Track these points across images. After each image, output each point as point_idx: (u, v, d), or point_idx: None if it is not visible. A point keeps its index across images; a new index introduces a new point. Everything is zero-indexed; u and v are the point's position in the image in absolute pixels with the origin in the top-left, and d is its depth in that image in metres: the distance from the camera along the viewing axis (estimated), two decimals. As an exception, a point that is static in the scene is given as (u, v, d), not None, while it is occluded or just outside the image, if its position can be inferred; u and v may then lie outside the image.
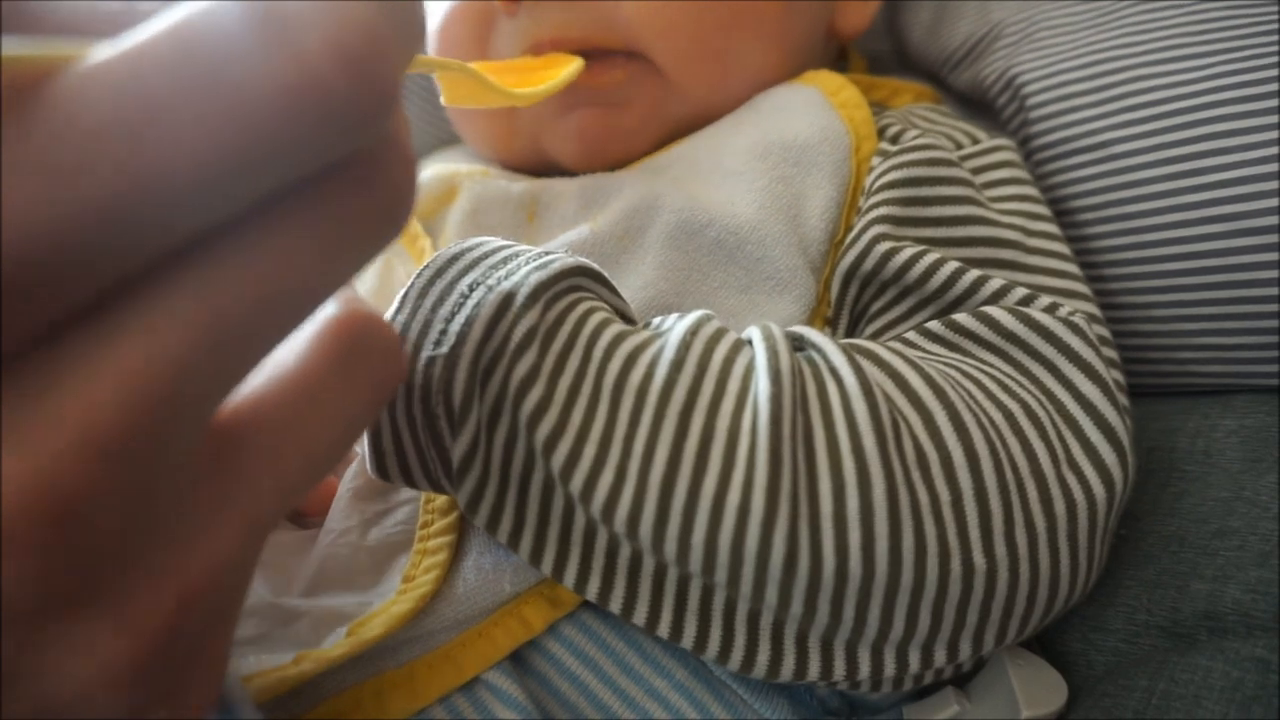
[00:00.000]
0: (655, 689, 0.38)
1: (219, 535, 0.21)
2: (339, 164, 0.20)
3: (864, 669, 0.35)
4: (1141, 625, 0.41)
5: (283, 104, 0.18)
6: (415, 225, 0.48)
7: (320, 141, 0.18)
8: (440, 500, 0.39)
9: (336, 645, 0.35)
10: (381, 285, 0.48)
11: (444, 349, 0.33)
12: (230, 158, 0.17)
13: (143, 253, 0.18)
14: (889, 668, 0.35)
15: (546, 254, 0.36)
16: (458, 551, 0.39)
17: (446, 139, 0.66)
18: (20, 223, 0.16)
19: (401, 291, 0.35)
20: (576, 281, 0.36)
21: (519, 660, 0.38)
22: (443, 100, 0.38)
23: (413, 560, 0.38)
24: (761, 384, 0.33)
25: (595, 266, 0.37)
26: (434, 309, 0.34)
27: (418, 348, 0.34)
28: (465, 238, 0.48)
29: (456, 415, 0.33)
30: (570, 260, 0.36)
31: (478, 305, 0.34)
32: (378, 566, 0.39)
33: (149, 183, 0.17)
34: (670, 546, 0.32)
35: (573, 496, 0.33)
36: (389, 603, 0.37)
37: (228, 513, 0.21)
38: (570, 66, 0.45)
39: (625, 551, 0.34)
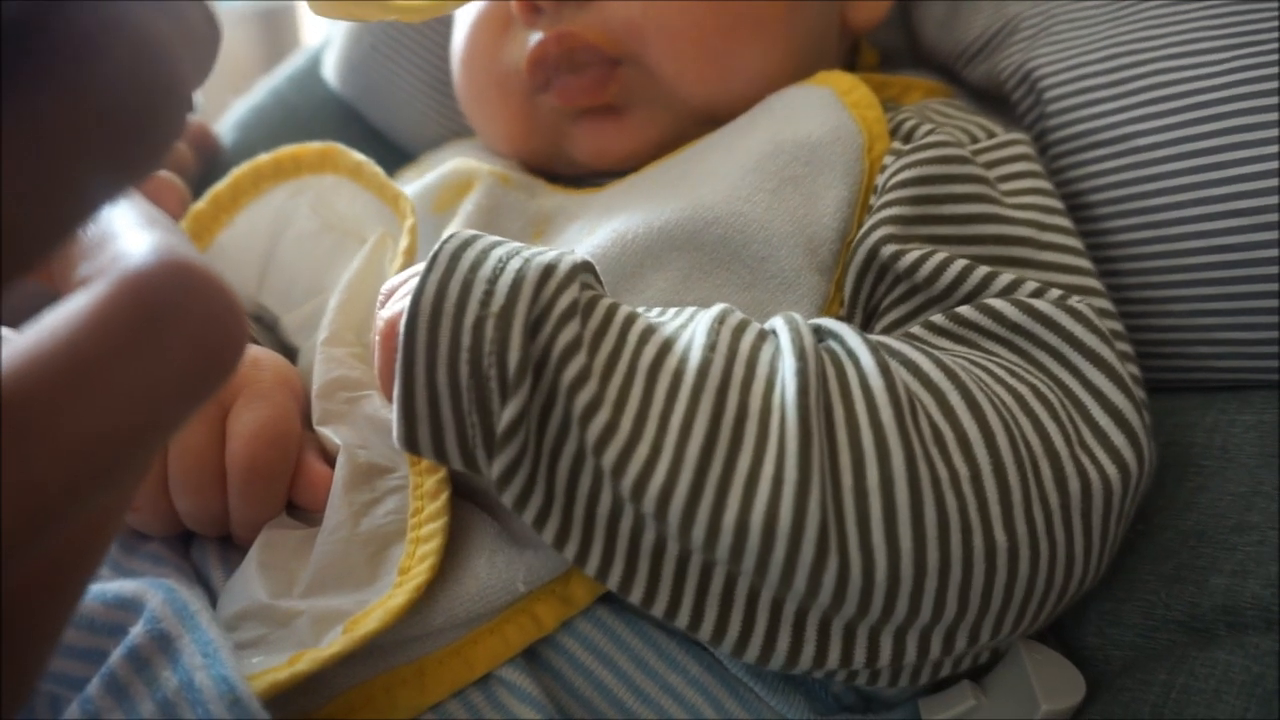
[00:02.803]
0: (671, 685, 0.38)
1: None
2: (29, 51, 0.16)
3: (885, 655, 0.35)
4: (1160, 620, 0.41)
5: None
6: (406, 204, 0.47)
7: None
8: (429, 485, 0.39)
9: (332, 643, 0.35)
10: (370, 265, 0.47)
11: (494, 307, 0.33)
12: None
13: None
14: (910, 654, 0.35)
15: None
16: (471, 548, 0.38)
17: (459, 131, 0.66)
18: None
19: (429, 256, 0.35)
20: (589, 279, 0.37)
21: (533, 657, 0.38)
22: (311, 9, 0.36)
23: (407, 551, 0.38)
24: (788, 361, 0.34)
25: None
26: (473, 270, 0.35)
27: (461, 307, 0.34)
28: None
29: (512, 376, 0.33)
30: (582, 256, 0.37)
31: (520, 271, 0.34)
32: (372, 561, 0.39)
33: None
34: (700, 529, 0.32)
35: (604, 471, 0.33)
36: (385, 597, 0.37)
37: None
38: None
39: (649, 536, 0.34)
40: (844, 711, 0.40)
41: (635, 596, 0.35)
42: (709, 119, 0.50)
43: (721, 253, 0.43)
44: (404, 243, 0.45)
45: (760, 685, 0.38)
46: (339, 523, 0.39)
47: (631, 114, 0.51)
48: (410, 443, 0.35)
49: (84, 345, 0.18)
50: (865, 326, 0.44)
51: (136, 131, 0.17)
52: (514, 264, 0.34)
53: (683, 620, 0.35)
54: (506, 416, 0.33)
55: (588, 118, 0.51)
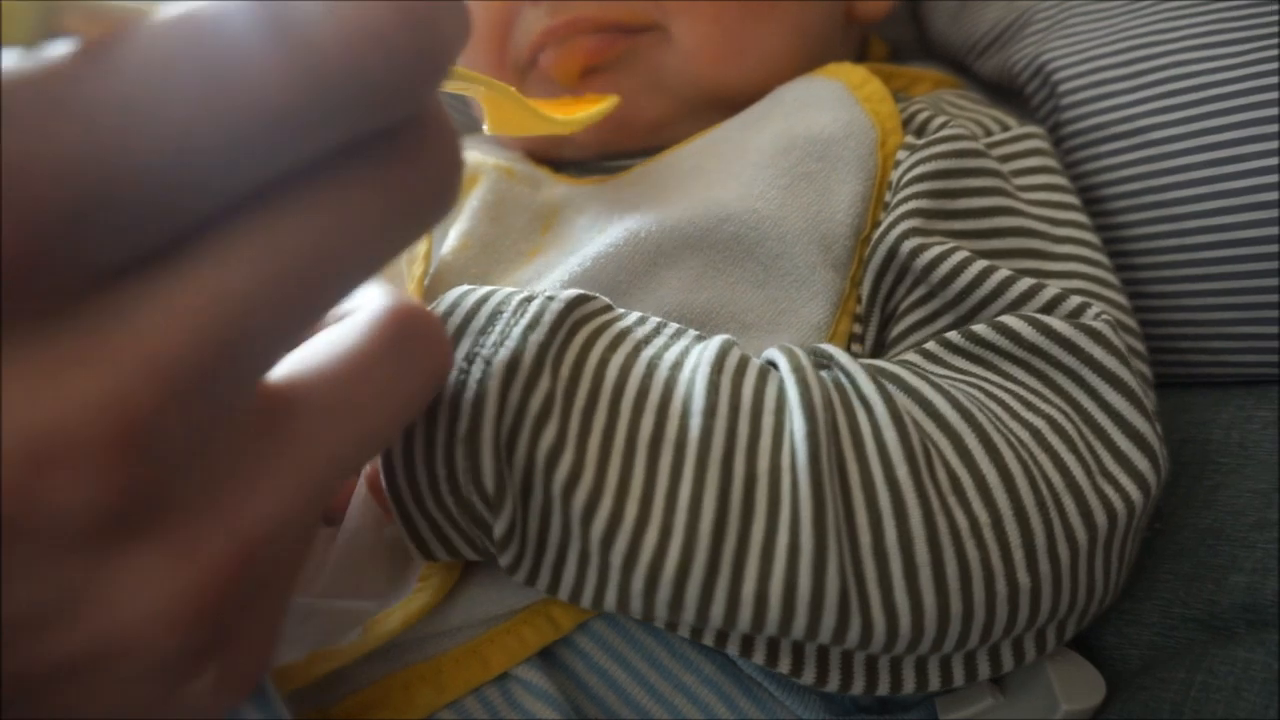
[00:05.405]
0: (685, 684, 0.37)
1: (274, 490, 0.21)
2: (392, 131, 0.20)
3: (909, 684, 0.35)
4: (1178, 618, 0.40)
5: (347, 57, 0.18)
6: None
7: (378, 97, 0.19)
8: None
9: (352, 642, 0.35)
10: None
11: (460, 431, 0.32)
12: (296, 110, 0.18)
13: (214, 199, 0.19)
14: (933, 681, 0.35)
15: (528, 299, 0.34)
16: None
17: (467, 125, 0.65)
18: (99, 160, 0.17)
19: None
20: (576, 318, 0.35)
21: (548, 656, 0.38)
22: (486, 128, 0.38)
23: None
24: (797, 421, 0.33)
25: (583, 292, 0.36)
26: None
27: (430, 437, 0.32)
28: (479, 233, 0.48)
29: (492, 499, 0.32)
30: (558, 303, 0.34)
31: (482, 381, 0.32)
32: (393, 569, 0.39)
33: (216, 134, 0.18)
34: (718, 606, 0.31)
35: (612, 566, 0.32)
36: (406, 600, 0.37)
37: (282, 471, 0.22)
38: (606, 102, 0.46)
39: None
40: (861, 712, 0.40)
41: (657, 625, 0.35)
42: (712, 100, 0.50)
43: (735, 250, 0.43)
44: (421, 247, 0.45)
45: (775, 685, 0.38)
46: (361, 527, 0.39)
47: (631, 73, 0.49)
48: (428, 558, 0.35)
49: (366, 354, 0.23)
50: (883, 328, 0.43)
51: (445, 197, 0.22)
52: (476, 371, 0.32)
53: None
54: (498, 531, 0.32)
55: (583, 88, 0.50)
